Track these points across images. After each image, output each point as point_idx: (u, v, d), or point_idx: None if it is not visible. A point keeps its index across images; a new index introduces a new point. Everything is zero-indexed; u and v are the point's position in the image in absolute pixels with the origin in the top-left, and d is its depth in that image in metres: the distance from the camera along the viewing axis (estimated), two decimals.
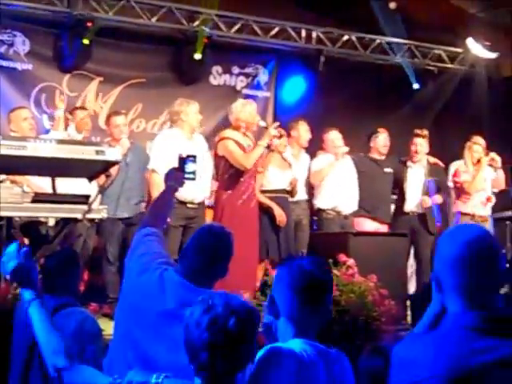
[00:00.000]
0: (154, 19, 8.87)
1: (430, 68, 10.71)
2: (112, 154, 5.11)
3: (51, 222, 5.78)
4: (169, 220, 6.15)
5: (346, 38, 9.99)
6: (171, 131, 6.78)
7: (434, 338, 2.00)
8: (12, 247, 2.48)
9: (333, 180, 7.67)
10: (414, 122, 8.90)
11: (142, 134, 9.03)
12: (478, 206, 8.07)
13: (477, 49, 10.20)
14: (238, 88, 9.89)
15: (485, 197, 8.10)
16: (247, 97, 8.95)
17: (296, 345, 2.35)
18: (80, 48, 8.49)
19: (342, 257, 5.96)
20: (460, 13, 9.86)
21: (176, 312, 2.93)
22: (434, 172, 8.06)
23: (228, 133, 6.78)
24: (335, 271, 5.60)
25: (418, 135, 8.04)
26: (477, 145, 8.12)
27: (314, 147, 8.03)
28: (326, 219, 7.69)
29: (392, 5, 9.52)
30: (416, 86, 10.35)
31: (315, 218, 7.94)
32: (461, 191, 8.12)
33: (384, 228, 7.99)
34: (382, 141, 8.11)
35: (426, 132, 8.12)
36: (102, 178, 5.85)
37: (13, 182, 5.79)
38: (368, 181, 7.87)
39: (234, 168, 6.67)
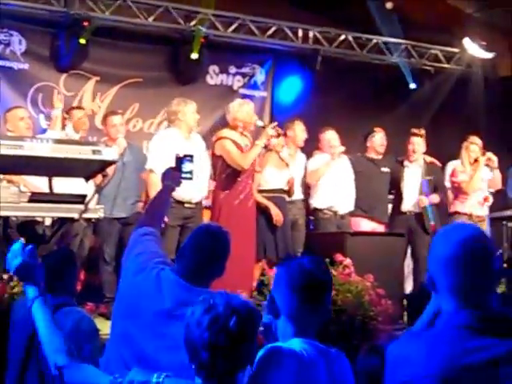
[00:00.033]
0: (150, 19, 8.86)
1: (427, 68, 10.72)
2: (109, 153, 5.12)
3: (48, 222, 5.79)
4: (166, 220, 6.16)
5: (342, 37, 10.00)
6: (169, 131, 6.78)
7: (428, 337, 2.01)
8: (17, 245, 2.49)
9: (329, 180, 7.67)
10: (411, 122, 8.90)
11: (138, 133, 9.03)
12: (476, 205, 8.08)
13: (473, 49, 10.21)
14: (235, 88, 9.89)
15: (482, 197, 8.11)
16: (244, 96, 8.95)
17: (296, 344, 2.35)
18: (76, 47, 8.47)
19: (339, 256, 5.97)
20: (456, 13, 9.86)
21: (173, 311, 2.93)
22: (431, 171, 8.06)
23: (225, 132, 6.79)
24: (332, 271, 5.60)
25: (415, 134, 8.05)
26: (474, 144, 8.13)
27: (311, 147, 8.04)
28: (323, 219, 7.70)
29: (388, 5, 9.52)
30: (413, 85, 10.36)
31: (312, 217, 7.95)
32: (458, 191, 8.13)
33: (381, 228, 8.00)
34: (378, 140, 8.11)
35: (423, 131, 8.13)
36: (99, 177, 5.86)
37: (9, 181, 5.79)
38: (365, 180, 7.88)
39: (231, 168, 6.68)
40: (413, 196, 7.94)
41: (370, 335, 5.69)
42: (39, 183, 5.95)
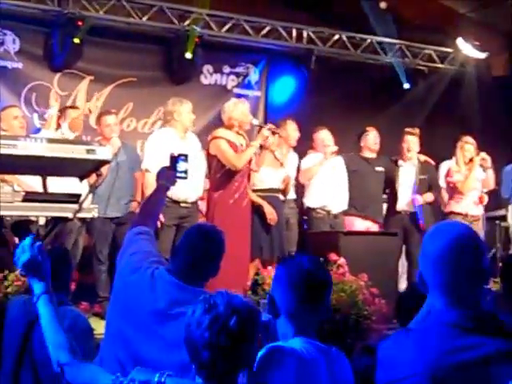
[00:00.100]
0: (144, 18, 8.85)
1: (421, 68, 10.73)
2: (103, 153, 5.10)
3: (42, 221, 5.77)
4: (162, 219, 6.18)
5: (336, 37, 10.00)
6: (164, 131, 6.78)
7: (417, 335, 2.01)
8: (27, 240, 2.50)
9: (322, 179, 7.68)
10: (405, 122, 8.91)
11: (132, 133, 9.02)
12: (471, 205, 8.10)
13: (467, 49, 10.23)
14: (229, 87, 9.89)
15: (477, 196, 8.13)
16: (238, 96, 8.93)
17: (297, 343, 2.36)
18: (70, 47, 8.45)
19: (333, 256, 5.98)
20: (450, 13, 9.89)
21: (167, 311, 2.94)
22: (425, 170, 8.08)
23: (220, 132, 6.79)
24: None
25: (409, 133, 8.07)
26: (468, 144, 8.14)
27: (305, 146, 8.05)
28: (316, 218, 7.70)
29: (382, 4, 9.53)
30: (406, 85, 10.36)
31: (305, 217, 7.96)
32: (453, 191, 8.14)
33: (375, 227, 8.00)
34: (372, 139, 8.13)
35: (417, 130, 8.15)
36: (93, 177, 5.84)
37: (3, 181, 5.78)
38: (359, 180, 7.89)
39: (225, 167, 6.68)
40: (407, 195, 7.96)
41: (363, 334, 5.70)
42: (33, 182, 5.92)
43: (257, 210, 7.04)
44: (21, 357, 3.43)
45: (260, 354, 2.26)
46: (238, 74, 9.96)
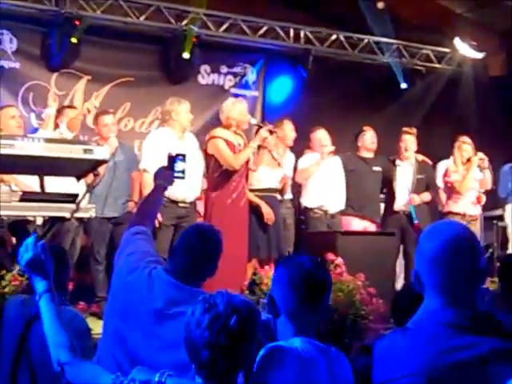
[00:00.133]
0: (142, 18, 8.85)
1: (418, 68, 10.75)
2: (100, 152, 5.11)
3: (39, 221, 5.77)
4: (160, 219, 6.18)
5: (334, 37, 10.00)
6: (162, 131, 6.78)
7: (413, 334, 2.01)
8: (30, 239, 2.52)
9: (319, 179, 7.68)
10: (402, 122, 8.91)
11: (129, 133, 9.01)
12: (469, 205, 8.10)
13: (464, 49, 10.25)
14: (226, 87, 9.88)
15: (475, 196, 8.14)
16: (235, 96, 8.90)
17: (297, 343, 2.36)
18: (68, 46, 8.43)
19: (330, 256, 5.98)
20: (447, 13, 9.91)
21: (164, 311, 2.94)
22: (423, 170, 8.09)
23: (218, 131, 6.80)
24: None
25: (406, 132, 8.08)
26: (466, 144, 8.15)
27: (302, 146, 8.05)
28: (313, 218, 7.70)
29: (380, 4, 9.53)
30: (404, 85, 10.37)
31: (302, 217, 7.96)
32: (451, 191, 8.14)
33: (372, 227, 8.00)
34: (369, 138, 8.13)
35: (414, 130, 8.16)
36: (90, 176, 5.85)
37: (0, 180, 5.78)
38: (356, 179, 7.89)
39: (223, 167, 6.69)
40: (405, 195, 7.96)
41: (361, 334, 5.71)
42: (30, 182, 5.92)
43: (254, 210, 7.04)
44: (18, 357, 3.42)
45: (260, 353, 2.26)
46: (235, 74, 9.95)
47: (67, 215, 5.13)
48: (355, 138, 8.18)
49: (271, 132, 7.04)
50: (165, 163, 3.65)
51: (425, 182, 8.08)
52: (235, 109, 6.84)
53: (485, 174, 8.14)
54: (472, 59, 10.44)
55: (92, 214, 5.36)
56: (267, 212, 7.08)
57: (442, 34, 10.27)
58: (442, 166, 8.36)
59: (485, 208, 8.41)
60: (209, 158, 6.77)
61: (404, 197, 7.96)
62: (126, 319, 3.03)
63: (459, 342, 1.92)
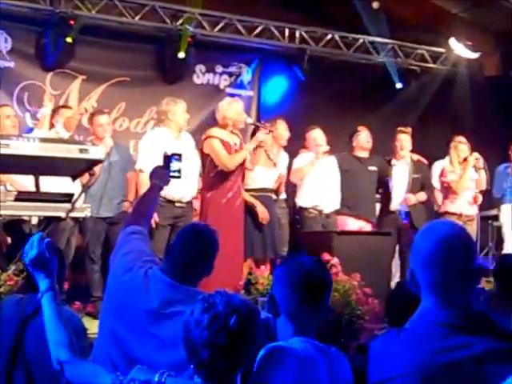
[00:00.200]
0: (137, 18, 8.85)
1: (413, 68, 10.76)
2: (96, 152, 5.10)
3: (34, 221, 5.76)
4: (157, 219, 6.18)
5: (329, 37, 10.02)
6: (158, 130, 6.77)
7: (408, 334, 2.01)
8: (36, 236, 2.53)
9: (314, 178, 7.68)
10: (397, 122, 8.92)
11: (125, 132, 9.00)
12: (465, 205, 8.11)
13: (459, 49, 10.26)
14: (222, 87, 9.89)
15: (471, 196, 8.15)
16: (231, 96, 8.91)
17: (296, 343, 2.36)
18: (63, 46, 8.42)
19: (326, 256, 5.98)
20: (442, 13, 9.92)
21: (160, 310, 2.93)
22: (418, 169, 8.10)
23: (214, 131, 6.79)
24: None
25: (401, 131, 8.09)
26: (462, 144, 8.16)
27: (297, 146, 8.05)
28: (308, 218, 7.70)
29: (375, 4, 9.54)
30: (399, 85, 10.39)
31: (297, 216, 7.96)
32: (448, 191, 8.15)
33: (368, 227, 8.00)
34: (363, 138, 8.13)
35: (409, 129, 8.17)
36: (86, 176, 5.83)
37: None
38: (352, 179, 7.88)
39: (219, 166, 6.68)
40: (401, 194, 7.97)
41: (356, 334, 5.71)
42: (26, 182, 5.92)
43: (249, 210, 7.04)
44: (14, 357, 3.41)
45: (260, 353, 2.26)
46: (230, 74, 9.96)
47: (62, 215, 5.11)
48: (350, 139, 8.18)
49: (269, 131, 7.06)
50: (161, 163, 3.65)
51: (420, 182, 8.09)
52: (231, 108, 6.84)
53: (480, 174, 8.14)
54: (467, 59, 10.45)
55: (87, 213, 5.35)
56: (262, 212, 7.08)
57: (437, 33, 10.28)
58: (438, 166, 8.37)
59: (480, 208, 8.43)
60: (204, 157, 6.76)
61: (401, 197, 7.97)
62: (122, 319, 3.02)
63: (453, 341, 1.92)
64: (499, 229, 8.67)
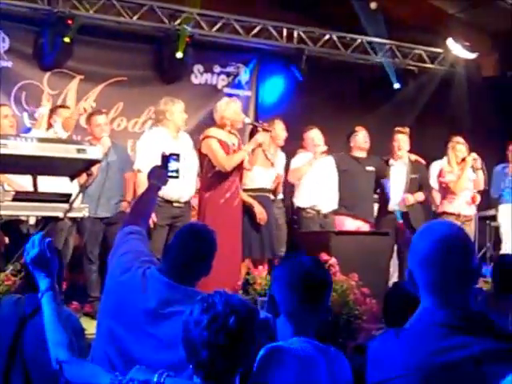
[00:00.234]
0: (135, 17, 8.84)
1: (411, 68, 10.75)
2: (93, 152, 5.11)
3: (32, 221, 5.76)
4: (155, 219, 6.18)
5: (327, 37, 10.01)
6: (156, 130, 6.77)
7: (406, 335, 2.01)
8: (37, 236, 2.54)
9: (312, 179, 7.68)
10: (395, 122, 8.92)
11: (122, 132, 9.00)
12: (464, 205, 8.11)
13: (457, 49, 10.26)
14: (219, 87, 9.88)
15: (470, 196, 8.15)
16: (228, 96, 8.93)
17: (296, 343, 2.36)
18: (60, 46, 8.40)
19: (324, 256, 5.98)
20: (440, 13, 9.92)
21: (158, 310, 2.93)
22: (416, 169, 8.10)
23: (212, 131, 6.79)
24: None
25: (399, 132, 8.10)
26: (460, 144, 8.16)
27: (295, 146, 8.05)
28: (306, 218, 7.70)
29: (373, 5, 9.54)
30: (397, 85, 10.38)
31: (295, 216, 7.96)
32: (446, 191, 8.15)
33: (366, 227, 8.00)
34: (361, 138, 8.13)
35: (407, 129, 8.18)
36: (84, 176, 5.84)
37: None
38: (349, 179, 7.88)
39: (217, 167, 6.68)
40: (399, 195, 7.97)
41: (354, 334, 5.71)
42: (23, 182, 5.91)
43: (247, 210, 7.04)
44: (11, 356, 3.41)
45: (260, 353, 2.26)
46: (228, 74, 9.95)
47: (60, 215, 5.12)
48: (348, 139, 8.18)
49: (267, 131, 7.06)
50: (159, 163, 3.65)
51: (418, 182, 8.09)
52: (229, 108, 6.84)
53: (478, 174, 8.14)
54: (465, 59, 10.46)
55: (85, 213, 5.36)
56: (259, 212, 7.08)
57: (434, 34, 10.28)
58: (436, 166, 8.37)
59: (478, 208, 8.43)
60: (202, 157, 6.76)
61: (399, 197, 7.97)
62: (120, 319, 3.02)
63: (451, 342, 1.92)
64: (497, 229, 8.68)
